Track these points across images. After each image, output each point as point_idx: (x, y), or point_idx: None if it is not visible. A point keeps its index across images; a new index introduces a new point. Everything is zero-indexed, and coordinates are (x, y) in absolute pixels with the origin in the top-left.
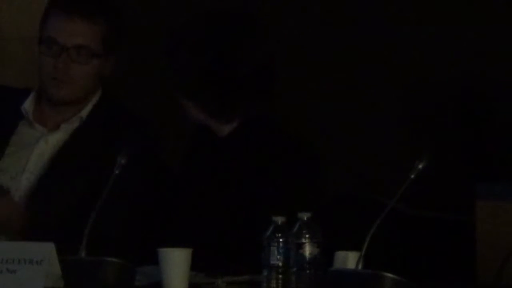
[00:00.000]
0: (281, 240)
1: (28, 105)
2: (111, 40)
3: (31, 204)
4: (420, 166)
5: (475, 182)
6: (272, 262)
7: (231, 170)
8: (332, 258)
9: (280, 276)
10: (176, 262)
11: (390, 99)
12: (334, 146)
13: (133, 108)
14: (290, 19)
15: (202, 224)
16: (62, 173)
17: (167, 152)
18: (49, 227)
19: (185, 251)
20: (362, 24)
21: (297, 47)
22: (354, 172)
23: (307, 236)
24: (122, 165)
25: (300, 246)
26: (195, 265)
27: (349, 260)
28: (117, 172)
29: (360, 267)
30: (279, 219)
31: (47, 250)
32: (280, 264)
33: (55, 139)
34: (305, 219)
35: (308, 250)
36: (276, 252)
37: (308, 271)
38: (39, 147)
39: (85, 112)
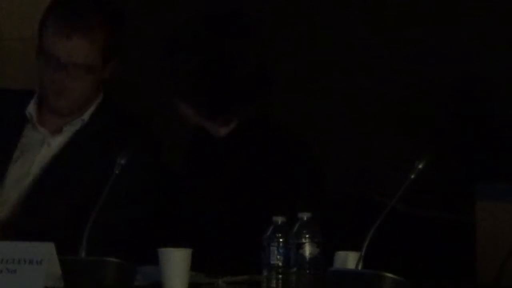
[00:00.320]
0: (281, 240)
1: (32, 108)
2: (111, 49)
3: (31, 206)
4: (420, 166)
5: (475, 182)
6: (272, 262)
7: (230, 170)
8: (332, 258)
9: (280, 276)
10: (176, 262)
11: (390, 99)
12: (334, 146)
13: (133, 108)
14: (289, 19)
15: (202, 224)
16: (63, 175)
17: (168, 152)
18: (51, 228)
19: (185, 251)
20: (362, 24)
21: (297, 47)
22: (354, 172)
23: (307, 236)
24: (122, 165)
25: (300, 246)
26: (195, 265)
27: (349, 260)
28: (117, 172)
29: (360, 267)
30: (279, 219)
31: (47, 250)
32: (280, 264)
33: (57, 142)
34: (305, 219)
35: (308, 250)
36: (276, 252)
37: (308, 271)
38: (42, 150)
39: (87, 115)
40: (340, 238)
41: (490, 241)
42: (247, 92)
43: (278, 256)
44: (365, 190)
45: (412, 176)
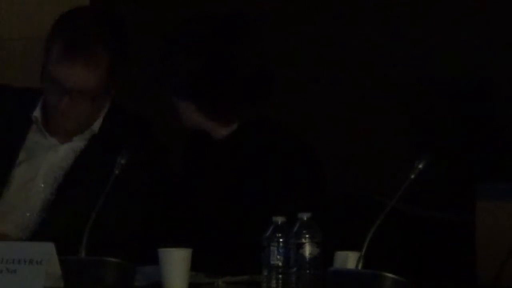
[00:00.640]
0: (281, 240)
1: (38, 113)
2: (116, 72)
3: (47, 215)
4: (420, 166)
5: (475, 182)
6: (272, 262)
7: (230, 171)
8: (332, 258)
9: (280, 276)
10: (176, 262)
11: (390, 99)
12: (334, 146)
13: (134, 108)
14: (289, 19)
15: (202, 224)
16: (78, 185)
17: (168, 152)
18: (65, 239)
19: (185, 251)
20: (362, 24)
21: (297, 47)
22: (354, 172)
23: (307, 236)
24: (122, 165)
25: (300, 246)
26: (195, 265)
27: (349, 260)
28: (117, 172)
29: (360, 267)
30: (279, 219)
31: (47, 250)
32: (280, 264)
33: (65, 149)
34: (305, 219)
35: (308, 250)
36: (276, 252)
37: (308, 271)
38: (49, 157)
39: (96, 125)
40: (340, 238)
41: (490, 241)
42: (250, 92)
43: (278, 256)
44: (365, 190)
45: (412, 176)
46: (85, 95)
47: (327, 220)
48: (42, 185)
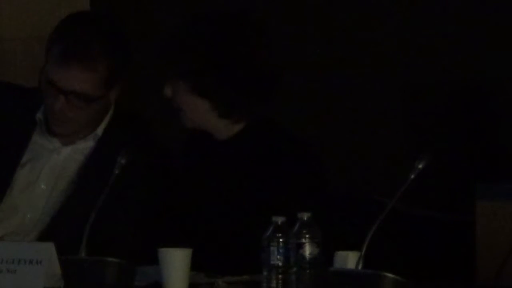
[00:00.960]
0: (281, 240)
1: (41, 114)
2: (114, 77)
3: (50, 218)
4: (420, 166)
5: (475, 182)
6: (272, 262)
7: (232, 171)
8: (332, 258)
9: (280, 276)
10: (176, 262)
11: (390, 99)
12: (334, 146)
13: (134, 108)
14: (289, 20)
15: (202, 224)
16: (83, 189)
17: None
18: (67, 242)
19: (185, 251)
20: (362, 25)
21: (296, 47)
22: (354, 172)
23: (307, 236)
24: (122, 165)
25: (300, 246)
26: (195, 265)
27: (349, 260)
28: (117, 172)
29: (360, 267)
30: (279, 219)
31: (47, 250)
32: (280, 264)
33: (68, 152)
34: (305, 219)
35: (308, 250)
36: (276, 252)
37: (308, 271)
38: (52, 159)
39: (100, 130)
40: (340, 238)
41: (490, 241)
42: (263, 89)
43: (278, 256)
44: (365, 190)
45: (412, 176)
46: (81, 99)
47: (327, 220)
48: (44, 187)
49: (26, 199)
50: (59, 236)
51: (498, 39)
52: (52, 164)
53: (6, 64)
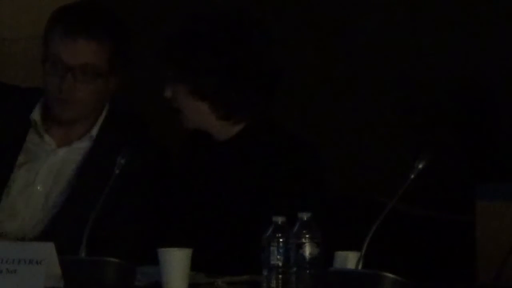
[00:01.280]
0: (281, 240)
1: (36, 115)
2: (117, 59)
3: (52, 222)
4: (420, 166)
5: (475, 182)
6: (272, 262)
7: (233, 172)
8: (332, 258)
9: (280, 276)
10: (176, 262)
11: (391, 99)
12: (334, 146)
13: (133, 108)
14: (289, 20)
15: (202, 224)
16: (82, 190)
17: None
18: (66, 243)
19: (185, 251)
20: (362, 24)
21: (296, 47)
22: (354, 172)
23: (307, 236)
24: (122, 165)
25: (300, 246)
26: (195, 265)
27: (349, 260)
28: (117, 172)
29: (360, 267)
30: (279, 219)
31: (47, 250)
32: (280, 264)
33: (64, 154)
34: (305, 219)
35: (308, 250)
36: (276, 252)
37: (308, 271)
38: (48, 161)
39: (95, 130)
40: (340, 238)
41: (490, 241)
42: (263, 90)
43: (278, 256)
44: (365, 190)
45: (412, 176)
46: (89, 73)
47: (327, 220)
48: (41, 189)
49: (24, 200)
50: (59, 237)
51: (498, 39)
52: (49, 165)
53: (6, 64)
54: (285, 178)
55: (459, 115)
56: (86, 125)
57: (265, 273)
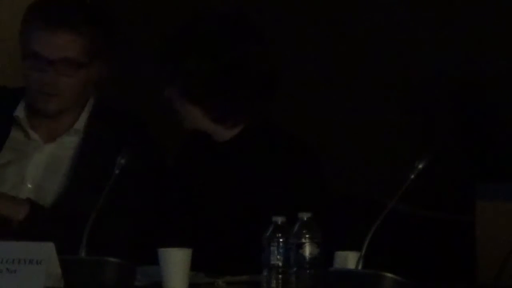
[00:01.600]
0: (281, 240)
1: (20, 112)
2: (97, 48)
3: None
4: (420, 166)
5: (475, 182)
6: (272, 262)
7: (233, 172)
8: (332, 258)
9: (280, 276)
10: (176, 262)
11: (391, 99)
12: (334, 146)
13: (133, 108)
14: (288, 20)
15: (202, 224)
16: (77, 187)
17: (167, 152)
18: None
19: (185, 251)
20: (362, 24)
21: (296, 47)
22: (354, 172)
23: (307, 236)
24: (122, 165)
25: (300, 246)
26: (195, 265)
27: (349, 260)
28: (117, 172)
29: (360, 267)
30: (279, 219)
31: (47, 250)
32: (280, 264)
33: (50, 149)
34: (305, 219)
35: (308, 250)
36: (276, 252)
37: (308, 271)
38: (35, 158)
39: (80, 124)
40: (340, 238)
41: (490, 241)
42: (259, 94)
43: (278, 256)
44: (365, 190)
45: (412, 176)
46: (70, 65)
47: (327, 220)
48: (31, 186)
49: None
50: (52, 233)
51: (498, 39)
52: (37, 162)
53: (6, 64)
54: (285, 178)
55: (459, 115)
56: (70, 119)
57: (265, 273)
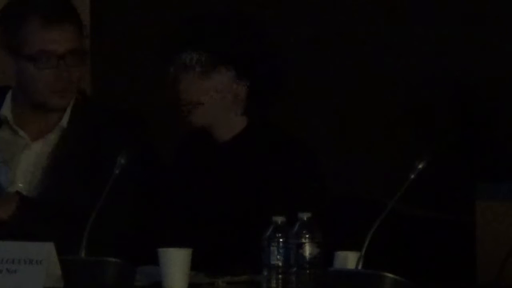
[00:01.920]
0: (281, 240)
1: (6, 110)
2: (82, 34)
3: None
4: (420, 166)
5: (475, 182)
6: (272, 262)
7: (233, 172)
8: (332, 258)
9: (280, 276)
10: (176, 262)
11: (391, 99)
12: (334, 146)
13: (132, 108)
14: (288, 21)
15: (202, 224)
16: (59, 183)
17: (166, 152)
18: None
19: (185, 251)
20: (362, 25)
21: (296, 47)
22: (354, 172)
23: (307, 236)
24: (122, 165)
25: (300, 246)
26: (195, 265)
27: (349, 260)
28: (117, 172)
29: (360, 267)
30: (279, 219)
31: (47, 250)
32: (280, 264)
33: (38, 147)
34: (305, 219)
35: (308, 250)
36: (276, 252)
37: (308, 271)
38: (24, 156)
39: (65, 120)
40: (340, 238)
41: (490, 241)
42: (266, 91)
43: (278, 256)
44: (365, 190)
45: (412, 176)
46: (77, 55)
47: (327, 220)
48: (22, 186)
49: None
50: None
51: (498, 39)
52: (25, 161)
53: (6, 64)
54: (285, 178)
55: (459, 115)
56: (56, 116)
57: (265, 273)
